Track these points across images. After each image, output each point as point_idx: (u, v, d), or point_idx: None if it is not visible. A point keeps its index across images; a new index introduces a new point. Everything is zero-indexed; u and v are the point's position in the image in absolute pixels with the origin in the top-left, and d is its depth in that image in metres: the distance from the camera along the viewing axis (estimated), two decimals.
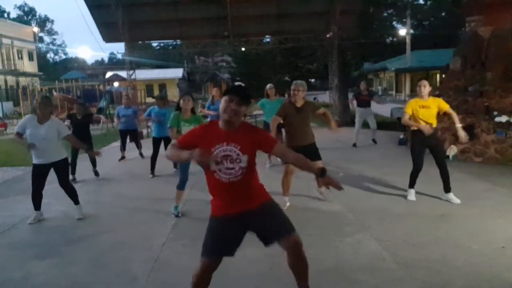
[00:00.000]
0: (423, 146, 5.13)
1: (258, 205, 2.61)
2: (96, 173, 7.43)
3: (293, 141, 4.99)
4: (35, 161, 4.87)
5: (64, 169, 5.06)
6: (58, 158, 4.91)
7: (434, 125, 5.05)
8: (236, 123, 2.53)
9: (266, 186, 2.79)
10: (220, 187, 2.57)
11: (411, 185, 5.32)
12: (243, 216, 2.58)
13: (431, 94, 5.33)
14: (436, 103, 5.06)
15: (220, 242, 2.59)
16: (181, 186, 5.08)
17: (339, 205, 5.14)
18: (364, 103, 9.62)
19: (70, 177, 7.10)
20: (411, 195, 5.31)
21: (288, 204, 5.15)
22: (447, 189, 5.12)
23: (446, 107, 5.06)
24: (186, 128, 5.08)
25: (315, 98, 28.64)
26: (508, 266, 3.35)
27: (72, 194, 5.11)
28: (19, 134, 4.83)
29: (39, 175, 4.89)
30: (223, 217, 2.60)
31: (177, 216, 4.99)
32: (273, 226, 2.57)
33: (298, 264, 2.59)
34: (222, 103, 2.52)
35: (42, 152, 4.79)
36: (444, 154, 5.33)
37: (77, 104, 7.62)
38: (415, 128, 5.09)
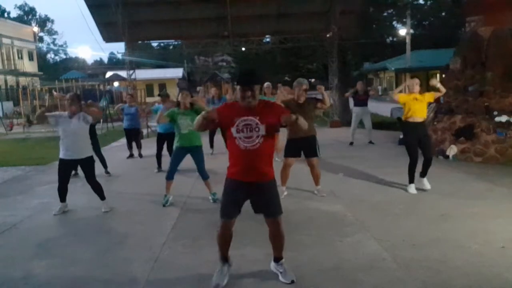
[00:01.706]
0: (415, 138, 5.55)
1: (264, 181, 3.10)
2: (108, 173, 7.48)
3: (295, 133, 5.25)
4: (62, 155, 5.08)
5: (90, 165, 5.25)
6: (85, 155, 5.12)
7: (425, 117, 5.56)
8: (255, 103, 3.00)
9: None
10: (238, 153, 3.03)
11: (411, 180, 5.62)
12: (251, 186, 3.07)
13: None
14: (425, 96, 5.59)
15: (231, 207, 3.12)
16: (169, 177, 5.38)
17: (339, 205, 5.14)
18: (361, 102, 9.67)
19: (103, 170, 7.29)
20: (412, 188, 5.61)
21: (285, 193, 5.50)
22: (423, 174, 5.66)
23: (432, 94, 5.69)
24: (182, 121, 5.26)
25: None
26: (508, 266, 3.35)
27: (98, 190, 5.31)
28: (46, 114, 5.00)
29: (65, 169, 5.15)
30: (235, 182, 3.10)
31: (164, 205, 5.32)
32: (267, 205, 3.15)
33: (277, 238, 3.24)
34: (238, 93, 3.00)
35: (71, 147, 5.02)
36: (431, 146, 5.93)
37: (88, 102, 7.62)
38: (409, 120, 5.53)
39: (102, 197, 5.34)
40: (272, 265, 3.35)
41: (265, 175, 3.10)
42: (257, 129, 2.97)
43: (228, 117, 3.03)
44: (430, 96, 5.64)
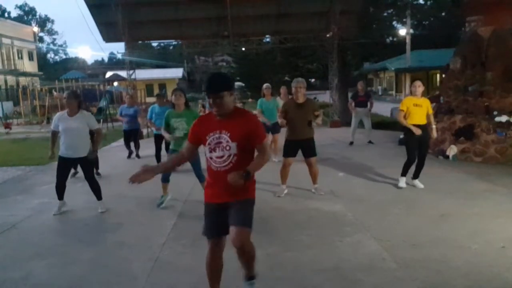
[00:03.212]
0: (415, 140, 5.59)
1: (240, 200, 2.70)
2: (98, 174, 7.44)
3: (293, 135, 5.39)
4: (62, 153, 5.09)
5: (90, 164, 5.30)
6: (84, 154, 5.12)
7: (424, 122, 5.59)
8: (226, 112, 2.65)
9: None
10: (211, 175, 2.75)
11: (403, 173, 5.79)
12: (226, 205, 2.73)
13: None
14: (426, 103, 5.64)
15: (213, 225, 2.78)
16: (164, 179, 5.35)
17: (339, 205, 5.14)
18: (361, 103, 9.69)
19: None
20: (402, 182, 5.79)
21: (286, 191, 5.62)
22: (415, 176, 5.81)
23: (430, 110, 5.74)
24: (177, 124, 5.23)
25: (315, 98, 28.59)
26: (508, 266, 3.35)
27: (96, 190, 5.32)
28: (55, 133, 5.08)
29: (64, 167, 5.17)
30: (210, 204, 2.80)
31: (159, 206, 5.32)
32: (234, 214, 2.69)
33: (241, 256, 2.74)
34: (208, 100, 2.70)
35: (71, 145, 5.02)
36: (428, 149, 6.04)
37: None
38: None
39: (99, 197, 5.33)
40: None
41: (241, 195, 2.69)
42: (228, 147, 2.62)
43: (202, 135, 2.72)
44: (430, 108, 5.69)
